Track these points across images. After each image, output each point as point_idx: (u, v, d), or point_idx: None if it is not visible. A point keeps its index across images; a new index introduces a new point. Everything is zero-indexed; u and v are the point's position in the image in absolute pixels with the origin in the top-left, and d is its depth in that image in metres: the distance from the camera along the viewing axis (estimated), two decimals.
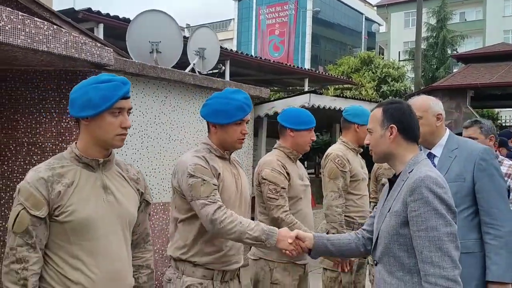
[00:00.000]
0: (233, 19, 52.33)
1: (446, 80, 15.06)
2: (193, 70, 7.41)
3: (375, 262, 1.98)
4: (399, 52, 27.36)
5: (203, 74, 7.36)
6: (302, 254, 2.28)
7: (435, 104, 2.77)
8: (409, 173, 1.90)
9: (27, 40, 4.17)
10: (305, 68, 14.61)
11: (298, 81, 13.71)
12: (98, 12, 7.86)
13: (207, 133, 2.56)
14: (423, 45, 24.47)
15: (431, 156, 2.77)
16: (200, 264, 2.35)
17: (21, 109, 5.11)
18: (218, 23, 56.91)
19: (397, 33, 39.98)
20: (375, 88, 16.98)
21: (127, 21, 8.10)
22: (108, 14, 8.06)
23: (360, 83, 16.83)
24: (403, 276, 1.84)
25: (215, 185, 2.34)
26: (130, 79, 5.44)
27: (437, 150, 2.76)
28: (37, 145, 5.12)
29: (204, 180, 2.31)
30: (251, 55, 12.49)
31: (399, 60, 23.26)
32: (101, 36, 7.78)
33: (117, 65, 5.11)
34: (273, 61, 12.86)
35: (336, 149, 3.62)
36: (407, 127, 1.98)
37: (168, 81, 5.94)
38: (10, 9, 4.16)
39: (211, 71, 8.15)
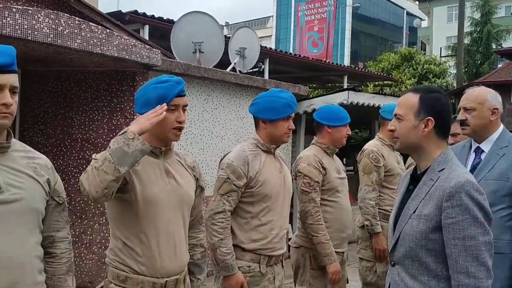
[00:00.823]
0: (272, 16, 52.48)
1: (489, 76, 14.76)
2: (234, 69, 7.65)
3: (392, 262, 1.88)
4: (441, 48, 26.79)
5: (244, 73, 7.59)
6: None
7: (493, 97, 2.68)
8: (438, 171, 1.79)
9: (83, 44, 4.50)
10: (344, 65, 14.64)
11: (337, 78, 13.76)
12: (144, 14, 8.21)
13: (255, 129, 2.78)
14: (467, 40, 23.91)
15: (479, 150, 2.70)
16: (248, 249, 2.57)
17: (75, 107, 5.48)
18: (257, 21, 57.17)
19: (439, 28, 39.09)
20: (416, 84, 16.80)
21: (170, 22, 8.42)
22: (153, 16, 8.40)
23: (400, 79, 16.69)
24: (429, 281, 1.75)
25: (237, 187, 2.57)
26: None
27: (486, 145, 2.66)
28: (90, 141, 5.48)
29: (229, 178, 2.56)
30: (290, 53, 12.64)
31: (441, 56, 22.80)
32: (146, 36, 8.11)
33: (164, 66, 5.39)
34: (312, 59, 12.97)
35: (372, 145, 3.78)
36: (444, 122, 1.83)
37: (211, 80, 6.20)
38: (68, 15, 4.51)
39: (251, 70, 8.36)
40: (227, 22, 57.18)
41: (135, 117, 5.29)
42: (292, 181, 3.31)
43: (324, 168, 3.16)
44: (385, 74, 16.03)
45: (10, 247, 1.64)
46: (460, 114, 2.74)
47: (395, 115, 1.88)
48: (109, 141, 5.72)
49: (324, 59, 21.24)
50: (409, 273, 1.79)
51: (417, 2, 44.42)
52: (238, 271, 2.53)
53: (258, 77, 7.35)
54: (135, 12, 8.09)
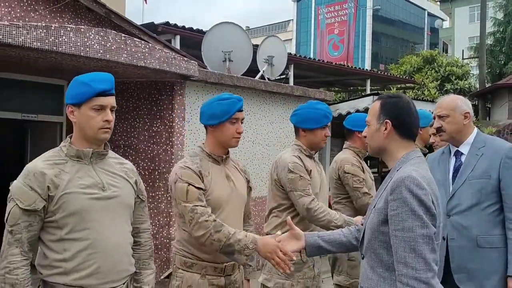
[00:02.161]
0: (292, 20, 52.75)
1: None
2: (262, 76, 7.99)
3: (362, 256, 1.97)
4: (463, 50, 26.68)
5: (272, 80, 7.92)
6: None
7: (463, 103, 2.81)
8: (397, 170, 1.87)
9: (128, 57, 4.90)
10: (366, 69, 14.83)
11: (359, 82, 13.97)
12: (175, 25, 8.60)
13: (296, 136, 3.12)
14: (490, 41, 23.79)
15: (458, 153, 2.83)
16: None
17: (118, 116, 5.88)
18: (277, 25, 57.50)
19: (461, 28, 38.82)
20: (438, 87, 16.85)
21: (200, 32, 8.81)
22: (183, 26, 8.79)
23: (422, 82, 16.78)
24: (383, 273, 1.82)
25: (309, 180, 2.92)
26: (209, 87, 6.12)
27: (464, 148, 2.80)
28: (132, 147, 5.88)
29: (302, 176, 2.91)
30: (314, 59, 12.92)
31: (463, 58, 22.75)
32: (177, 46, 8.51)
33: (200, 76, 5.76)
34: (335, 64, 13.21)
35: None
36: (402, 123, 1.92)
37: (242, 88, 6.55)
38: (115, 32, 4.91)
39: (278, 77, 8.69)
40: (248, 27, 57.62)
41: (174, 124, 5.69)
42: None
43: (362, 169, 3.48)
44: (407, 77, 16.15)
45: (114, 234, 2.01)
46: (435, 122, 2.89)
47: (366, 121, 2.03)
48: (149, 147, 6.13)
49: (346, 62, 21.41)
50: (370, 265, 1.88)
51: (438, 3, 44.18)
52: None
53: (286, 84, 7.68)
54: (167, 23, 8.49)
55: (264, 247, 2.22)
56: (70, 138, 2.05)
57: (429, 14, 49.59)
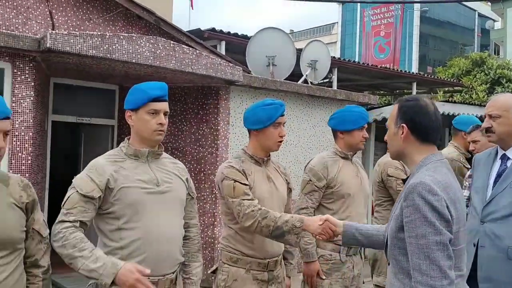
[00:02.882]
0: (337, 22, 52.39)
1: None
2: (305, 80, 8.08)
3: (388, 262, 1.95)
4: None
5: (315, 84, 8.00)
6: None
7: None
8: (414, 176, 1.84)
9: (177, 64, 5.12)
10: (412, 72, 14.62)
11: (405, 85, 13.78)
12: (221, 31, 8.84)
13: (334, 140, 3.21)
14: None
15: (505, 158, 2.67)
16: (330, 240, 2.99)
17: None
18: (321, 27, 57.27)
19: None
20: (488, 90, 16.36)
21: (245, 37, 9.01)
22: (229, 32, 9.01)
23: (471, 86, 16.35)
24: (403, 279, 1.80)
25: (317, 187, 3.02)
26: (254, 92, 6.27)
27: None
28: (179, 149, 6.11)
29: (311, 180, 3.02)
30: (358, 62, 12.87)
31: None
32: (223, 51, 8.74)
33: (245, 81, 5.92)
34: (380, 67, 13.11)
35: (453, 151, 4.11)
36: (419, 126, 1.86)
37: (285, 92, 6.66)
38: (164, 39, 5.15)
39: (321, 81, 8.75)
40: (292, 30, 57.70)
41: (219, 127, 5.87)
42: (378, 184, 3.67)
43: (405, 172, 3.54)
44: (455, 80, 15.80)
45: (167, 226, 2.18)
46: (485, 122, 2.74)
47: (386, 126, 2.00)
48: (195, 149, 6.35)
49: (392, 65, 21.11)
50: (392, 271, 1.87)
51: (489, 4, 42.75)
52: (317, 259, 2.94)
53: (330, 88, 7.73)
54: (213, 29, 8.73)
55: (312, 225, 2.34)
56: (128, 140, 2.23)
57: (480, 15, 48.03)
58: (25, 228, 1.86)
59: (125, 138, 2.28)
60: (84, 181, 2.07)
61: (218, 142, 5.96)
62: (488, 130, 2.71)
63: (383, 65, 15.18)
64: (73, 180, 2.13)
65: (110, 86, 6.33)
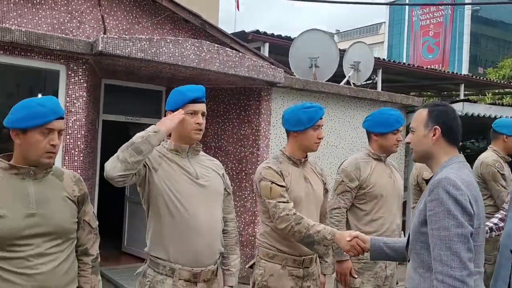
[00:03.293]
0: (384, 22, 51.55)
1: None
2: (348, 82, 8.09)
3: (408, 258, 2.05)
4: None
5: (358, 86, 7.99)
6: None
7: None
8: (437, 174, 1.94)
9: (220, 66, 5.29)
10: (460, 74, 14.24)
11: (453, 86, 13.47)
12: (265, 33, 8.98)
13: (368, 141, 3.26)
14: None
15: None
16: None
17: (210, 119, 6.32)
18: (368, 27, 56.50)
19: None
20: None
21: (288, 39, 9.11)
22: (272, 34, 9.14)
23: None
24: (424, 273, 1.87)
25: (349, 188, 3.08)
26: (295, 93, 6.37)
27: None
28: (222, 148, 6.29)
29: (343, 181, 3.10)
30: (403, 63, 12.69)
31: None
32: (266, 53, 8.87)
33: (286, 82, 6.03)
34: (426, 68, 12.87)
35: (490, 156, 4.06)
36: (450, 129, 1.99)
37: (327, 93, 6.72)
38: (208, 42, 5.33)
39: (365, 82, 8.73)
40: (338, 30, 57.24)
41: (260, 128, 6.01)
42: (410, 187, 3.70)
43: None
44: (505, 82, 15.28)
45: (210, 217, 2.32)
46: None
47: (410, 128, 2.09)
48: (237, 149, 6.52)
49: (441, 66, 20.62)
50: (412, 266, 1.95)
51: None
52: (349, 258, 3.00)
53: (372, 90, 7.71)
54: (257, 31, 8.88)
55: (342, 239, 2.43)
56: (169, 137, 2.39)
57: None
58: (76, 219, 2.04)
59: (165, 138, 2.43)
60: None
61: (259, 142, 6.09)
62: None
63: (431, 66, 14.88)
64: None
65: (157, 87, 6.58)
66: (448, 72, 13.20)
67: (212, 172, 2.42)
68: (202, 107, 2.35)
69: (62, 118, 1.97)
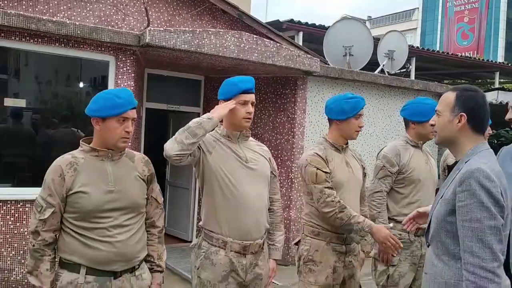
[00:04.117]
0: (417, 8, 50.56)
1: None
2: (382, 70, 8.18)
3: (427, 243, 2.06)
4: None
5: (392, 74, 8.07)
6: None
7: None
8: (465, 162, 1.90)
9: (259, 56, 5.49)
10: (495, 61, 14.04)
11: (488, 74, 13.32)
12: (299, 22, 9.12)
13: (405, 129, 3.43)
14: None
15: None
16: (400, 221, 3.23)
17: None
18: (401, 14, 55.48)
19: None
20: None
21: (322, 27, 9.22)
22: (306, 23, 9.27)
23: None
24: (448, 261, 1.89)
25: (390, 172, 3.26)
26: (330, 82, 6.52)
27: None
28: (258, 136, 6.51)
29: (384, 166, 3.27)
30: (438, 51, 12.61)
31: None
32: (300, 42, 9.01)
33: (322, 71, 6.19)
34: (461, 56, 12.77)
35: None
36: (476, 117, 1.93)
37: (362, 82, 6.84)
38: (248, 33, 5.53)
39: (398, 71, 8.78)
40: (370, 16, 56.38)
41: (295, 116, 6.20)
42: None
43: None
44: None
45: (258, 197, 2.56)
46: (508, 113, 2.86)
47: (436, 111, 2.04)
48: (273, 137, 6.73)
49: (475, 53, 20.27)
50: (435, 253, 1.95)
51: None
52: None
53: (406, 78, 7.79)
54: (291, 20, 9.03)
55: (378, 232, 2.74)
56: (221, 124, 2.62)
57: None
58: (146, 196, 2.31)
59: (218, 124, 2.66)
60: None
61: (295, 130, 6.28)
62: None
63: (465, 53, 14.71)
64: None
65: (196, 76, 6.84)
66: (483, 60, 13.04)
67: (260, 157, 2.65)
68: (252, 97, 2.57)
69: (135, 108, 2.22)
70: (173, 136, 2.40)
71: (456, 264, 1.85)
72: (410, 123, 3.37)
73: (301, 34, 9.20)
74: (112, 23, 6.03)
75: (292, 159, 6.22)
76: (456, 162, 2.02)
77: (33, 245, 2.11)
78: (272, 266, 2.71)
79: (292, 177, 6.24)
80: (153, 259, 2.38)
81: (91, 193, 2.10)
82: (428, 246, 2.04)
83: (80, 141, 2.25)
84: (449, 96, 1.99)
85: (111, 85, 5.00)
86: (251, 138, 2.72)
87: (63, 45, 4.72)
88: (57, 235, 2.16)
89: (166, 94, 6.63)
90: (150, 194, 2.36)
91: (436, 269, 1.93)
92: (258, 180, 2.59)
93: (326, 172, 2.85)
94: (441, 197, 1.94)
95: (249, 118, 2.57)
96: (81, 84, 5.29)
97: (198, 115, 6.96)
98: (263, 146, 2.78)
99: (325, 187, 2.82)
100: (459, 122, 1.94)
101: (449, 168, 2.05)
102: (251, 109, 2.56)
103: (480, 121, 1.95)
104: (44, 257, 2.11)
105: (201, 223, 2.62)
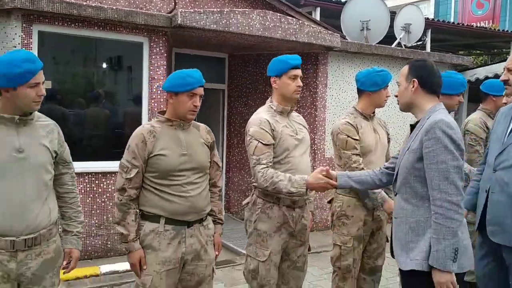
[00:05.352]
0: None
1: None
2: (399, 43, 8.37)
3: (394, 193, 2.35)
4: None
5: (408, 47, 8.27)
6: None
7: None
8: (427, 119, 2.20)
9: (282, 34, 5.77)
10: (510, 31, 14.05)
11: (503, 44, 13.33)
12: None
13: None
14: None
15: None
16: None
17: (270, 83, 6.80)
18: None
19: None
20: None
21: (339, 3, 9.39)
22: None
23: None
24: (417, 203, 2.18)
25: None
26: (349, 56, 6.78)
27: None
28: None
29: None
30: (452, 22, 12.67)
31: None
32: (317, 17, 9.20)
33: (342, 47, 6.44)
34: (476, 26, 12.81)
35: None
36: (427, 81, 2.26)
37: (380, 56, 7.08)
38: (272, 12, 5.79)
39: (415, 43, 8.96)
40: None
41: (317, 90, 6.48)
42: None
43: (488, 128, 3.95)
44: None
45: (306, 162, 2.90)
46: (503, 75, 2.98)
47: (397, 83, 2.40)
48: (296, 110, 6.93)
49: (490, 22, 20.05)
50: (404, 199, 2.24)
51: None
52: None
53: (423, 51, 7.99)
54: None
55: (389, 208, 3.02)
56: (272, 100, 2.93)
57: None
58: (209, 159, 2.67)
59: (270, 98, 2.97)
60: (262, 133, 2.76)
61: (317, 103, 6.58)
62: (505, 83, 2.96)
63: (480, 23, 14.69)
64: (250, 134, 2.81)
65: (221, 54, 7.13)
66: (498, 30, 13.07)
67: (303, 128, 3.00)
68: (300, 72, 2.89)
69: (202, 86, 2.57)
70: (269, 181, 2.69)
71: (424, 204, 2.15)
72: (441, 96, 3.62)
73: (318, 9, 9.37)
74: (141, 5, 6.32)
75: (315, 132, 6.53)
76: (417, 122, 2.31)
77: (120, 200, 2.48)
78: (310, 217, 3.08)
79: (315, 148, 6.56)
80: (215, 213, 2.77)
81: (169, 156, 2.48)
82: (395, 195, 2.33)
83: (156, 113, 2.64)
84: (404, 68, 2.36)
85: (145, 64, 5.32)
86: (295, 113, 3.06)
87: (101, 28, 5.04)
88: (139, 192, 2.53)
89: None
90: (212, 158, 2.73)
91: (405, 212, 2.21)
92: (303, 147, 2.93)
93: (355, 139, 3.16)
94: (407, 149, 2.24)
95: (299, 91, 2.90)
96: (118, 65, 5.62)
97: (222, 91, 7.29)
98: (300, 117, 3.11)
99: (353, 154, 3.13)
100: (413, 87, 2.28)
101: (412, 127, 2.35)
102: (300, 82, 2.88)
103: (430, 83, 2.30)
104: (130, 210, 2.48)
105: (254, 184, 2.94)
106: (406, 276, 2.22)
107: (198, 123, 2.76)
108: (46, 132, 2.29)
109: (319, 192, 3.25)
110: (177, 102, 2.55)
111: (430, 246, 2.09)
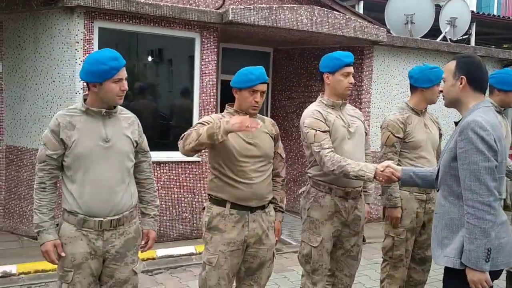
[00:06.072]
0: None
1: None
2: (444, 37, 8.31)
3: (437, 189, 2.39)
4: None
5: (453, 41, 8.20)
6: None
7: None
8: (467, 117, 2.20)
9: (329, 28, 5.86)
10: None
11: None
12: None
13: (489, 95, 3.70)
14: None
15: None
16: None
17: (314, 77, 6.94)
18: None
19: None
20: None
21: None
22: None
23: None
24: (453, 200, 2.21)
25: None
26: (395, 51, 6.81)
27: None
28: None
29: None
30: (498, 15, 12.40)
31: None
32: (361, 10, 9.21)
33: (388, 41, 6.48)
34: None
35: None
36: (474, 78, 2.24)
37: (425, 50, 7.07)
38: (319, 7, 5.90)
39: (460, 37, 8.86)
40: None
41: (362, 84, 6.55)
42: None
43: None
44: None
45: (360, 153, 3.02)
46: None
47: (442, 78, 2.39)
48: None
49: None
50: (443, 196, 2.28)
51: None
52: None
53: (469, 45, 7.91)
54: None
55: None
56: (323, 95, 3.07)
57: None
58: (273, 150, 2.83)
59: (321, 93, 3.11)
60: (318, 122, 2.91)
61: (362, 97, 6.65)
62: None
63: None
64: (306, 125, 2.95)
65: (266, 49, 7.28)
66: None
67: (357, 120, 3.10)
68: (352, 69, 3.00)
69: (265, 82, 2.72)
70: (336, 164, 2.81)
71: (459, 203, 2.18)
72: (496, 90, 3.61)
73: (361, 3, 9.38)
74: (191, 1, 6.53)
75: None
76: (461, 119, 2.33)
77: None
78: (367, 209, 3.20)
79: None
80: (277, 201, 2.93)
81: (235, 143, 2.65)
82: (437, 191, 2.37)
83: (226, 105, 2.83)
84: (450, 65, 2.32)
85: (197, 59, 5.53)
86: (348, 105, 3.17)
87: (157, 24, 5.27)
88: (209, 178, 2.74)
89: (239, 66, 7.04)
90: (276, 150, 2.88)
91: (444, 208, 2.26)
92: (358, 140, 3.05)
93: (397, 137, 3.28)
94: (447, 147, 2.28)
95: (350, 88, 3.01)
96: (171, 60, 5.85)
97: (267, 85, 7.43)
98: (356, 110, 3.22)
99: (389, 152, 3.29)
100: (460, 84, 2.26)
101: (456, 124, 2.41)
102: (352, 79, 2.99)
103: (478, 80, 2.28)
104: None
105: (310, 174, 3.10)
106: (445, 271, 2.29)
107: (263, 116, 2.91)
108: (128, 124, 2.50)
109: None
110: (240, 98, 2.73)
111: (463, 244, 2.13)
